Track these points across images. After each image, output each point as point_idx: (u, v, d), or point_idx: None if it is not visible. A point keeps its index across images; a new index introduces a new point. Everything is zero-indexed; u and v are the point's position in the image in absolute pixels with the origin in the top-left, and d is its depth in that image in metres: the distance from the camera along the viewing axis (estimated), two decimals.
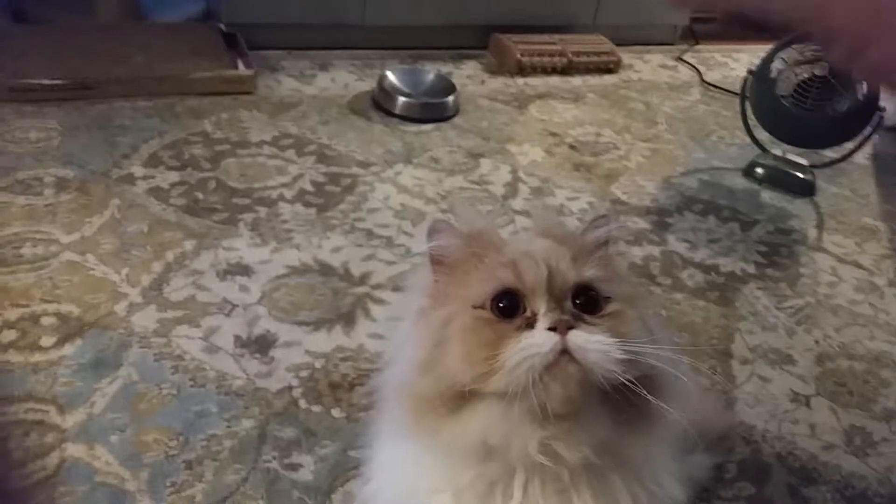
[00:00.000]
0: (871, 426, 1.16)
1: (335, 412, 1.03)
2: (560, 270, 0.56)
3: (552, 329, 0.53)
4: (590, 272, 0.58)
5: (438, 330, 0.57)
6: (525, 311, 0.56)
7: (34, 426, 0.96)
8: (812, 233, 1.65)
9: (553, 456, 0.54)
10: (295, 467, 0.96)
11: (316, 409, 1.03)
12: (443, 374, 0.55)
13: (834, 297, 1.44)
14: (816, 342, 1.32)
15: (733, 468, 1.04)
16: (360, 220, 1.44)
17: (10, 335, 1.08)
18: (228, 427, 0.99)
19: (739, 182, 1.79)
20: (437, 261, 0.61)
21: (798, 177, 1.77)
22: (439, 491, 0.58)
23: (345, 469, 0.96)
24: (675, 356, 0.59)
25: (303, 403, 1.04)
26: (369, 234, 1.41)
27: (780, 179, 1.78)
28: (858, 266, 1.55)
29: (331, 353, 1.13)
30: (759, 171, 1.79)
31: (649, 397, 0.54)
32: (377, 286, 1.28)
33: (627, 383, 0.53)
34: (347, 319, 1.20)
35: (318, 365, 1.11)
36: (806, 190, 1.77)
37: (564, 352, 0.52)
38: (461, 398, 0.54)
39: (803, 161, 1.79)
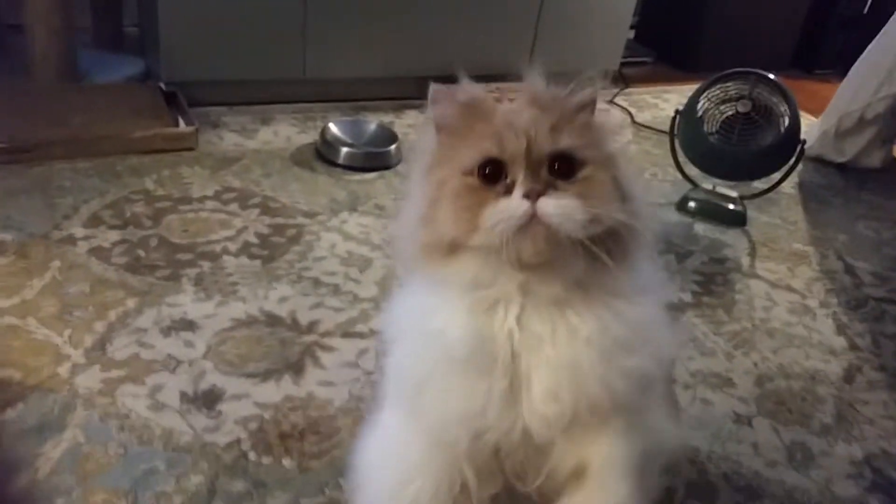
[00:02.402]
0: (811, 441, 1.21)
1: (286, 462, 1.03)
2: (539, 141, 0.65)
3: (526, 196, 0.62)
4: (567, 140, 0.65)
5: (434, 190, 0.67)
6: (506, 177, 0.64)
7: None
8: (745, 261, 1.71)
9: (532, 292, 0.66)
10: None
11: (266, 460, 1.03)
12: (437, 228, 0.66)
13: (769, 320, 1.50)
14: (755, 364, 1.37)
15: (682, 489, 1.07)
16: (306, 270, 1.45)
17: None
18: (177, 484, 0.98)
19: (673, 216, 1.86)
20: (438, 126, 0.70)
21: (729, 208, 1.85)
22: (455, 308, 0.68)
23: None
24: (645, 210, 0.69)
25: (252, 456, 1.03)
26: (316, 282, 1.42)
27: (712, 212, 1.85)
28: (791, 290, 1.62)
29: (280, 403, 1.13)
30: (692, 204, 1.87)
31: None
32: (325, 334, 1.29)
33: (587, 240, 0.62)
34: (296, 368, 1.20)
35: (266, 416, 1.10)
36: (737, 220, 1.84)
37: (534, 215, 0.62)
38: (454, 248, 0.66)
39: (733, 193, 1.88)
